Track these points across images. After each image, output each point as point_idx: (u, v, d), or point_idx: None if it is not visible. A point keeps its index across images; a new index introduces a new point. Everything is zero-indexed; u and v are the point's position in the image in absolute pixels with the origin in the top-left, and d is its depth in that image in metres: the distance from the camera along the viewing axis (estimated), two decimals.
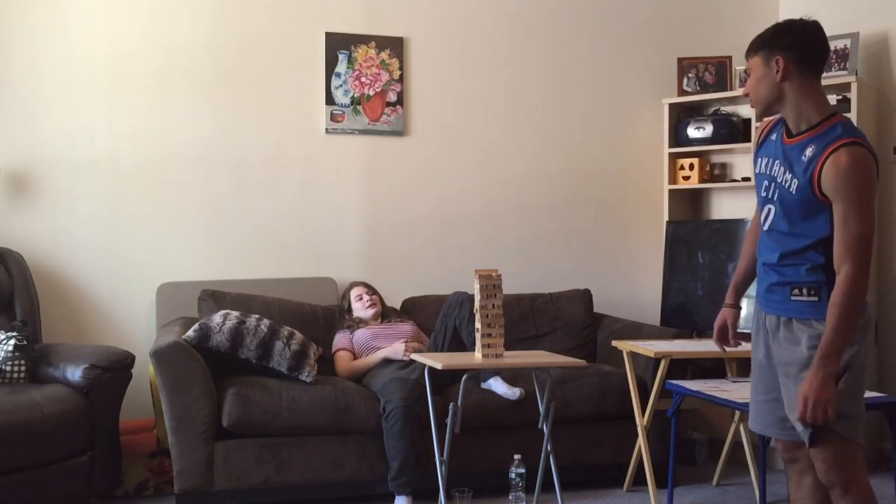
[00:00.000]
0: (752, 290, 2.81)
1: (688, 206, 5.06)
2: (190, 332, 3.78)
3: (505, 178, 4.92)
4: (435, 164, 4.82)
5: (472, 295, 3.48)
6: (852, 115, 4.22)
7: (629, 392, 3.88)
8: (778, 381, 2.52)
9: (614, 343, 4.03)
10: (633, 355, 3.90)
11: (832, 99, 4.29)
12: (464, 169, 4.86)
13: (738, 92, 4.78)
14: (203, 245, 4.50)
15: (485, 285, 3.39)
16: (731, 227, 4.62)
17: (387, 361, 4.07)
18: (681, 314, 4.69)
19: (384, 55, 4.71)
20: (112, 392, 3.70)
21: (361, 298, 4.35)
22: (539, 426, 3.61)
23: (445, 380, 3.84)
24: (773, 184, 2.48)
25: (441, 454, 3.49)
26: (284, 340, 3.89)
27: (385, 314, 4.38)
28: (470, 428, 3.65)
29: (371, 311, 4.31)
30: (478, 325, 3.40)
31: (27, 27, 4.28)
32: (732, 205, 4.94)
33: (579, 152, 5.04)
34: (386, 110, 4.73)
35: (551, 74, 4.98)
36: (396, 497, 3.69)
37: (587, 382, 4.05)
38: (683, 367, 4.07)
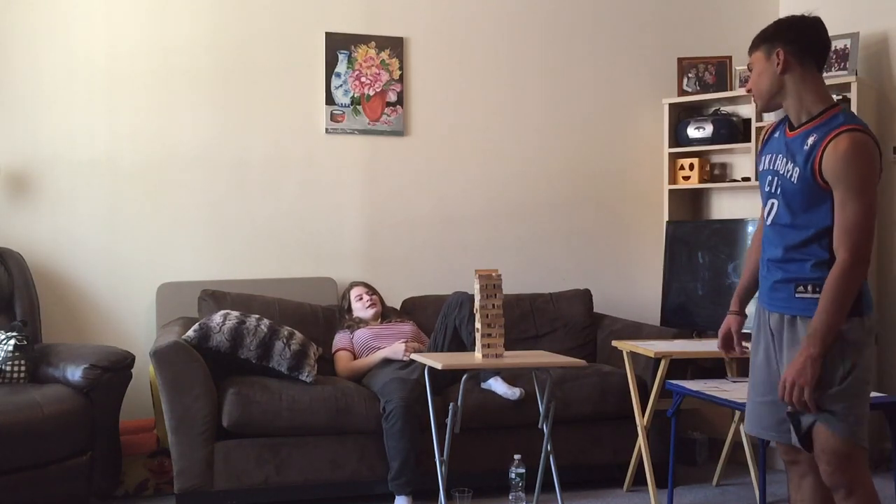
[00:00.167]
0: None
1: (688, 206, 5.06)
2: (190, 332, 3.78)
3: (505, 178, 4.92)
4: (435, 164, 4.82)
5: (472, 295, 3.48)
6: None
7: (629, 392, 3.88)
8: (770, 382, 2.50)
9: (614, 343, 4.03)
10: (633, 355, 3.90)
11: None
12: (464, 169, 4.86)
13: (739, 92, 4.78)
14: (203, 245, 4.50)
15: (485, 285, 3.39)
16: (731, 227, 4.62)
17: (387, 361, 4.07)
18: (681, 314, 4.69)
19: (384, 55, 4.71)
20: (112, 392, 3.70)
21: (361, 298, 4.35)
22: (539, 426, 3.61)
23: (445, 380, 3.84)
24: (775, 178, 2.48)
25: (441, 454, 3.49)
26: (284, 340, 3.89)
27: (385, 314, 4.38)
28: (470, 428, 3.65)
29: (371, 311, 4.31)
30: (478, 325, 3.40)
31: (27, 27, 4.28)
32: (732, 205, 4.94)
33: (579, 152, 5.04)
34: (386, 110, 4.73)
35: (551, 74, 4.98)
36: (396, 497, 3.69)
37: (587, 382, 4.05)
38: (683, 367, 4.07)
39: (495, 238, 4.90)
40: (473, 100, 4.87)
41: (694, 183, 4.86)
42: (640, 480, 3.95)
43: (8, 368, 3.67)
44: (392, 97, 4.73)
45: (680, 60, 4.99)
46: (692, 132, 4.81)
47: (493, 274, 3.42)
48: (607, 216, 5.08)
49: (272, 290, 4.40)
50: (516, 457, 3.62)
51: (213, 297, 4.19)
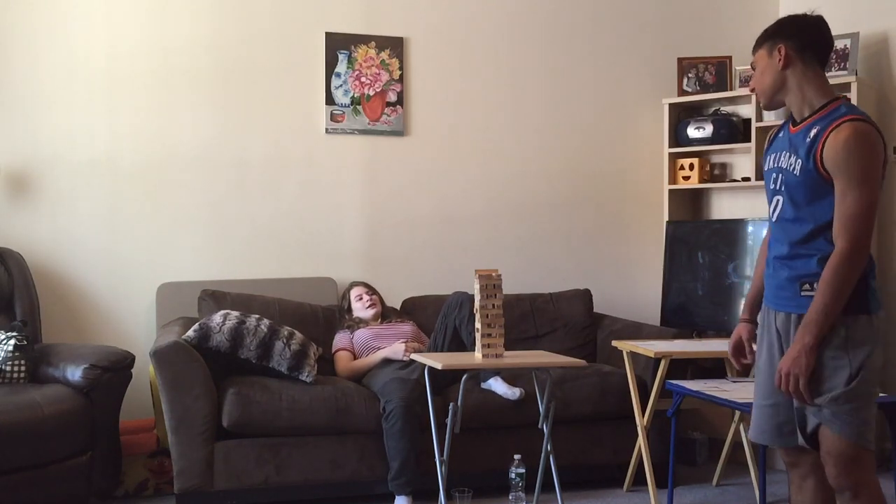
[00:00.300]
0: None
1: (688, 206, 5.06)
2: (190, 332, 3.78)
3: (505, 178, 4.92)
4: (435, 164, 4.82)
5: (472, 295, 3.48)
6: None
7: (629, 392, 3.88)
8: (770, 386, 2.48)
9: (614, 343, 4.03)
10: (633, 355, 3.90)
11: None
12: (464, 169, 4.86)
13: (739, 92, 4.79)
14: (203, 245, 4.50)
15: (485, 285, 3.39)
16: (731, 227, 4.62)
17: (387, 361, 4.07)
18: (681, 314, 4.69)
19: (384, 55, 4.71)
20: (112, 392, 3.70)
21: (361, 298, 4.35)
22: (539, 426, 3.61)
23: (445, 380, 3.84)
24: (780, 174, 2.47)
25: (441, 454, 3.49)
26: (284, 340, 3.89)
27: (385, 314, 4.38)
28: (470, 428, 3.65)
29: (371, 311, 4.31)
30: (478, 325, 3.40)
31: (27, 27, 4.28)
32: (732, 205, 4.94)
33: (579, 152, 5.04)
34: (386, 110, 4.73)
35: (551, 74, 4.99)
36: (396, 497, 3.69)
37: (587, 382, 4.05)
38: (683, 367, 4.07)
39: (495, 238, 4.90)
40: (473, 100, 4.87)
41: (694, 183, 4.86)
42: (640, 480, 3.95)
43: (8, 368, 3.67)
44: (392, 97, 4.73)
45: (680, 60, 4.99)
46: (692, 132, 4.81)
47: (493, 274, 3.42)
48: (607, 216, 5.08)
49: (272, 290, 4.40)
50: (516, 457, 3.62)
51: (213, 297, 4.19)
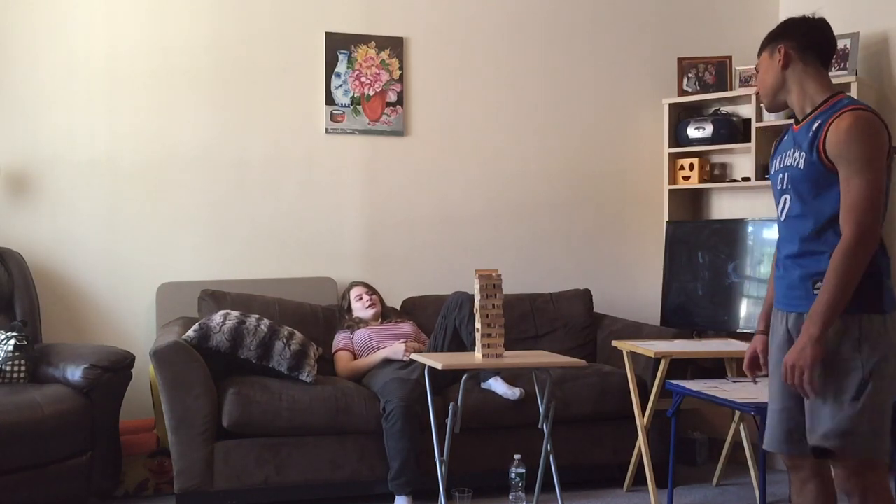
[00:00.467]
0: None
1: (688, 206, 5.06)
2: (190, 332, 3.78)
3: (505, 178, 4.92)
4: (435, 164, 4.82)
5: (472, 295, 3.48)
6: None
7: (629, 392, 3.88)
8: (784, 390, 2.44)
9: (614, 343, 4.03)
10: (633, 355, 3.90)
11: None
12: (464, 169, 4.86)
13: (739, 92, 4.79)
14: (203, 245, 4.50)
15: (485, 285, 3.39)
16: (731, 227, 4.62)
17: (387, 361, 4.07)
18: (681, 314, 4.69)
19: (384, 55, 4.71)
20: (112, 392, 3.70)
21: (361, 298, 4.35)
22: (539, 426, 3.61)
23: (445, 380, 3.84)
24: (785, 173, 2.46)
25: (441, 454, 3.49)
26: (284, 340, 3.89)
27: (385, 314, 4.38)
28: (470, 428, 3.65)
29: (371, 312, 4.31)
30: (478, 325, 3.40)
31: (27, 27, 4.28)
32: (732, 205, 4.94)
33: (579, 152, 5.04)
34: (386, 110, 4.73)
35: (551, 74, 4.99)
36: (396, 497, 3.69)
37: (587, 382, 4.05)
38: (683, 367, 4.07)
39: (495, 238, 4.90)
40: (473, 100, 4.87)
41: (694, 183, 4.86)
42: (640, 480, 3.95)
43: (8, 368, 3.67)
44: (392, 97, 4.73)
45: (680, 60, 4.99)
46: (692, 132, 4.81)
47: (493, 274, 3.42)
48: (607, 216, 5.08)
49: (272, 290, 4.40)
50: (516, 457, 3.62)
51: (213, 297, 4.19)
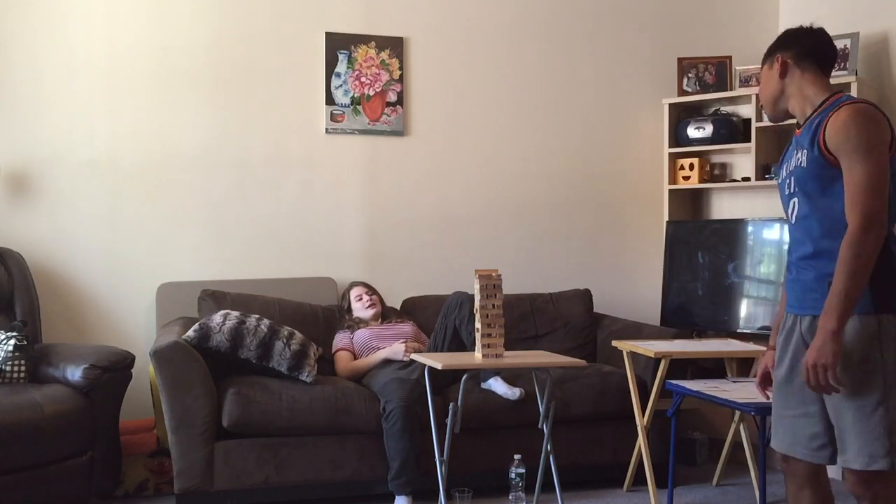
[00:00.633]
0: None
1: (688, 206, 5.06)
2: (190, 332, 3.78)
3: (505, 178, 4.92)
4: (435, 164, 4.82)
5: (472, 295, 3.48)
6: None
7: (629, 392, 3.88)
8: (806, 395, 2.39)
9: (614, 343, 4.03)
10: (633, 355, 3.90)
11: None
12: (464, 169, 4.86)
13: (738, 92, 4.79)
14: (203, 245, 4.50)
15: (485, 285, 3.39)
16: (731, 227, 4.62)
17: (387, 362, 4.07)
18: (681, 314, 4.69)
19: (384, 55, 4.71)
20: (112, 392, 3.70)
21: (361, 298, 4.35)
22: (539, 426, 3.61)
23: (445, 380, 3.84)
24: (791, 176, 2.46)
25: (441, 454, 3.49)
26: (284, 340, 3.89)
27: (385, 314, 4.38)
28: (470, 428, 3.65)
29: (371, 312, 4.31)
30: (478, 325, 3.40)
31: (27, 27, 4.28)
32: (732, 205, 4.94)
33: (579, 152, 5.04)
34: (386, 110, 4.73)
35: (551, 74, 4.99)
36: (396, 497, 3.69)
37: (587, 382, 4.05)
38: (683, 367, 4.07)
39: (495, 238, 4.90)
40: (473, 100, 4.87)
41: (694, 183, 4.86)
42: (640, 480, 3.95)
43: (8, 368, 3.67)
44: (392, 97, 4.73)
45: (680, 60, 4.99)
46: (692, 132, 4.81)
47: (493, 274, 3.42)
48: (607, 216, 5.08)
49: (272, 290, 4.40)
50: (516, 457, 3.62)
51: (213, 297, 4.19)
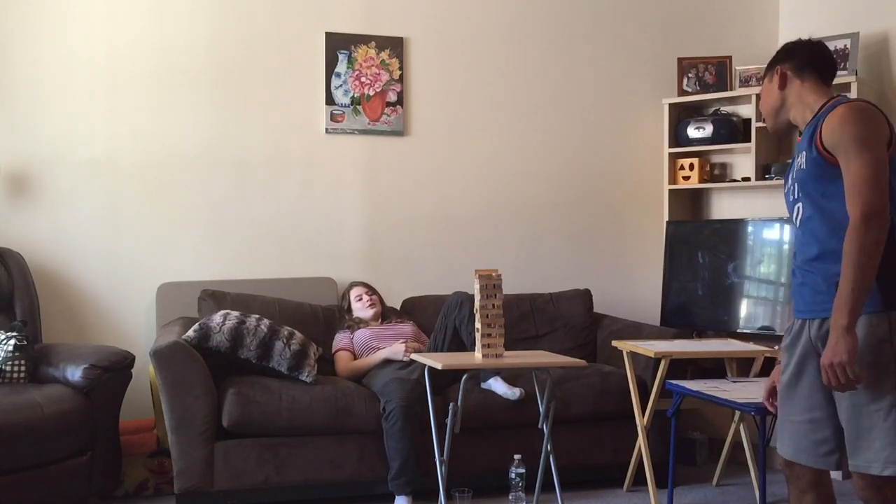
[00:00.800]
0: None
1: (688, 206, 5.06)
2: (190, 332, 3.78)
3: (505, 178, 4.92)
4: (435, 164, 4.82)
5: (472, 295, 3.48)
6: None
7: (629, 392, 3.88)
8: (812, 401, 2.39)
9: (614, 343, 4.03)
10: (633, 355, 3.90)
11: None
12: (464, 169, 4.86)
13: (738, 92, 4.79)
14: (203, 245, 4.50)
15: (485, 285, 3.39)
16: (731, 227, 4.62)
17: (387, 362, 4.07)
18: (681, 314, 4.69)
19: (384, 55, 4.71)
20: (112, 392, 3.70)
21: (361, 298, 4.35)
22: (539, 426, 3.61)
23: (445, 380, 3.84)
24: (794, 182, 2.45)
25: (441, 454, 3.49)
26: (284, 340, 3.89)
27: (385, 314, 4.38)
28: (470, 428, 3.65)
29: (371, 312, 4.31)
30: (478, 325, 3.40)
31: (27, 27, 4.28)
32: (732, 205, 4.94)
33: (579, 152, 5.04)
34: (386, 110, 4.73)
35: (551, 74, 4.99)
36: (396, 497, 3.69)
37: (587, 382, 4.05)
38: (683, 367, 4.07)
39: (495, 238, 4.90)
40: (473, 100, 4.87)
41: (694, 183, 4.86)
42: (640, 480, 3.95)
43: (8, 368, 3.67)
44: (392, 97, 4.73)
45: (680, 60, 4.99)
46: (692, 132, 4.82)
47: (493, 274, 3.42)
48: (607, 216, 5.08)
49: (272, 290, 4.40)
50: (516, 457, 3.61)
51: (213, 297, 4.19)
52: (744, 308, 4.54)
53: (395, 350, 4.07)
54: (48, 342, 4.05)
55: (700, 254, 4.66)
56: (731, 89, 4.88)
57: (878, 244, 2.23)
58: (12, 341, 3.70)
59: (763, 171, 4.65)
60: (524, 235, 4.95)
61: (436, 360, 3.38)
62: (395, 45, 4.73)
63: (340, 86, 4.65)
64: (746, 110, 4.78)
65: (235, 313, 3.93)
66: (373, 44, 4.69)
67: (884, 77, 4.53)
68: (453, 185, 4.85)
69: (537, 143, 4.97)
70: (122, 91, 4.39)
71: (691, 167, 4.85)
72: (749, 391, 3.27)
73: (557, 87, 5.00)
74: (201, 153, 4.50)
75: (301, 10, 4.61)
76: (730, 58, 4.92)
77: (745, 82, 4.81)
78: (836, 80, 4.30)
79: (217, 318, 3.87)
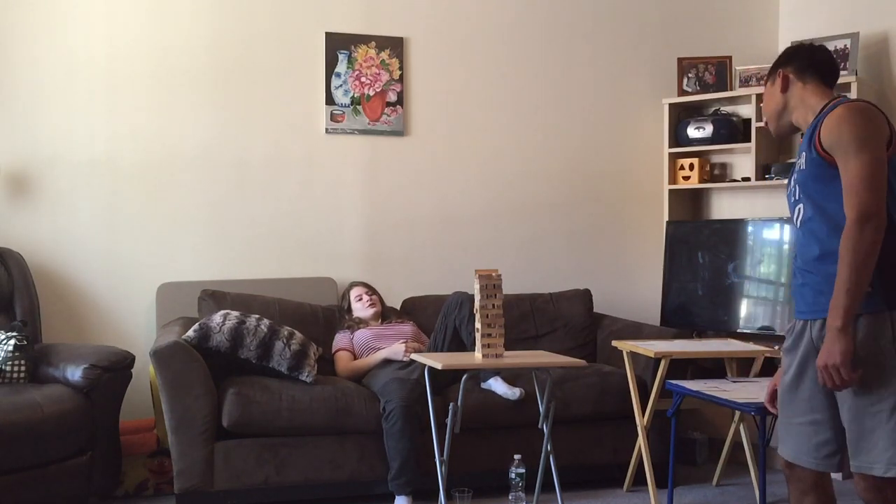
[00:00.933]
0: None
1: (688, 206, 5.06)
2: (190, 332, 3.78)
3: (505, 178, 4.92)
4: (435, 164, 4.82)
5: (472, 295, 3.48)
6: None
7: (629, 392, 3.88)
8: (813, 402, 2.38)
9: (614, 343, 4.03)
10: (633, 355, 3.90)
11: None
12: (464, 169, 4.86)
13: (738, 92, 4.79)
14: (203, 245, 4.50)
15: (485, 285, 3.39)
16: (731, 227, 4.62)
17: (387, 362, 4.07)
18: (681, 314, 4.69)
19: (384, 55, 4.71)
20: (112, 392, 3.70)
21: (361, 298, 4.35)
22: (539, 426, 3.61)
23: (445, 380, 3.84)
24: (796, 183, 2.45)
25: (441, 454, 3.49)
26: (284, 340, 3.89)
27: (385, 314, 4.38)
28: (470, 428, 3.65)
29: (371, 311, 4.31)
30: (478, 325, 3.40)
31: (27, 27, 4.28)
32: (732, 205, 4.94)
33: (579, 152, 5.04)
34: (386, 110, 4.73)
35: (551, 74, 4.99)
36: (396, 497, 3.69)
37: (587, 382, 4.05)
38: (683, 367, 4.07)
39: (495, 238, 4.90)
40: (473, 100, 4.87)
41: (694, 183, 4.86)
42: (640, 480, 3.95)
43: (8, 368, 3.67)
44: (392, 97, 4.73)
45: (680, 60, 4.99)
46: (692, 132, 4.82)
47: (493, 274, 3.42)
48: (607, 216, 5.08)
49: (272, 290, 4.40)
50: (516, 457, 3.61)
51: (213, 297, 4.19)
52: (744, 308, 4.54)
53: (395, 350, 4.07)
54: (48, 342, 4.05)
55: (700, 254, 4.66)
56: (731, 89, 4.88)
57: (874, 245, 2.22)
58: (12, 341, 3.70)
59: (763, 171, 4.65)
60: (524, 235, 4.95)
61: (436, 360, 3.38)
62: (395, 45, 4.73)
63: (340, 86, 4.65)
64: (746, 110, 4.78)
65: (235, 313, 3.93)
66: (373, 44, 4.69)
67: (884, 77, 4.53)
68: (453, 185, 4.85)
69: (537, 143, 4.97)
70: (122, 91, 4.39)
71: (691, 167, 4.85)
72: (749, 391, 3.27)
73: (557, 87, 5.00)
74: (201, 153, 4.50)
75: (301, 10, 4.61)
76: (730, 58, 4.92)
77: (745, 82, 4.81)
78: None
79: (217, 318, 3.87)
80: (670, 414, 3.55)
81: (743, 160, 4.84)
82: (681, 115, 4.96)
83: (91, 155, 4.36)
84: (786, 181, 2.58)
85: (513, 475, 3.61)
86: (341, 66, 4.65)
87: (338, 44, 4.65)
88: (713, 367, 4.28)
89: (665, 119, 4.96)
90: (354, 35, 4.67)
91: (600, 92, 5.06)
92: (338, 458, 3.76)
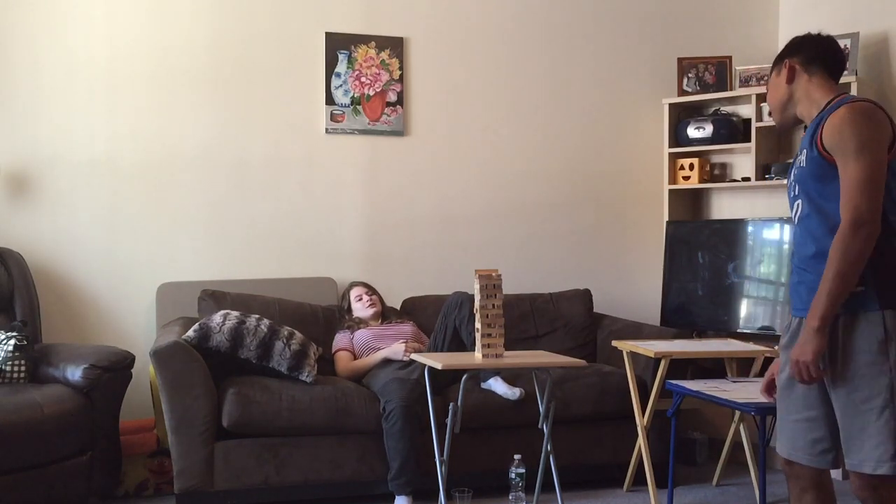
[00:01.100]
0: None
1: (688, 206, 5.06)
2: (190, 332, 3.78)
3: (505, 178, 4.92)
4: (435, 164, 4.82)
5: (472, 295, 3.48)
6: None
7: (629, 392, 3.88)
8: (808, 400, 2.39)
9: (614, 343, 4.03)
10: (633, 355, 3.90)
11: None
12: (464, 169, 4.86)
13: (738, 92, 4.79)
14: (203, 245, 4.50)
15: (485, 285, 3.39)
16: (731, 227, 4.62)
17: (387, 362, 4.07)
18: (681, 314, 4.69)
19: (384, 55, 4.71)
20: (112, 392, 3.70)
21: (361, 298, 4.35)
22: (539, 426, 3.61)
23: (445, 380, 3.84)
24: (795, 180, 2.45)
25: (441, 454, 3.49)
26: (284, 340, 3.89)
27: (385, 314, 4.38)
28: (470, 428, 3.65)
29: (371, 311, 4.31)
30: (478, 325, 3.40)
31: (27, 27, 4.28)
32: (732, 205, 4.94)
33: (579, 152, 5.04)
34: (386, 110, 4.73)
35: (551, 74, 4.99)
36: (396, 497, 3.69)
37: (587, 382, 4.05)
38: (683, 367, 4.07)
39: (495, 238, 4.90)
40: (473, 100, 4.87)
41: (694, 183, 4.86)
42: (640, 480, 3.95)
43: (8, 368, 3.67)
44: (392, 97, 4.73)
45: (680, 60, 4.99)
46: (692, 132, 4.81)
47: (493, 274, 3.42)
48: (607, 216, 5.08)
49: (272, 290, 4.40)
50: (516, 457, 3.62)
51: (213, 297, 4.19)
52: (744, 308, 4.54)
53: (395, 350, 4.07)
54: (48, 342, 4.05)
55: (700, 254, 4.66)
56: (731, 89, 4.88)
57: (863, 253, 2.24)
58: (12, 341, 3.70)
59: (763, 171, 4.65)
60: (524, 235, 4.95)
61: (436, 360, 3.38)
62: (395, 45, 4.73)
63: (340, 86, 4.65)
64: (746, 110, 4.78)
65: (235, 313, 3.93)
66: (373, 44, 4.69)
67: (884, 77, 4.53)
68: (453, 185, 4.85)
69: (537, 143, 4.97)
70: (122, 91, 4.39)
71: (691, 167, 4.85)
72: (749, 391, 3.27)
73: (557, 88, 5.00)
74: (201, 153, 4.50)
75: (301, 10, 4.61)
76: (730, 58, 4.92)
77: (745, 82, 4.81)
78: None
79: (217, 318, 3.87)
80: (670, 414, 3.55)
81: (743, 160, 4.84)
82: (681, 115, 4.96)
83: (91, 155, 4.36)
84: (785, 181, 2.58)
85: (513, 475, 3.61)
86: (341, 66, 4.65)
87: (338, 44, 4.65)
88: (713, 367, 4.28)
89: (665, 119, 4.96)
90: (354, 35, 4.67)
91: (600, 92, 5.06)
92: (338, 458, 3.76)
